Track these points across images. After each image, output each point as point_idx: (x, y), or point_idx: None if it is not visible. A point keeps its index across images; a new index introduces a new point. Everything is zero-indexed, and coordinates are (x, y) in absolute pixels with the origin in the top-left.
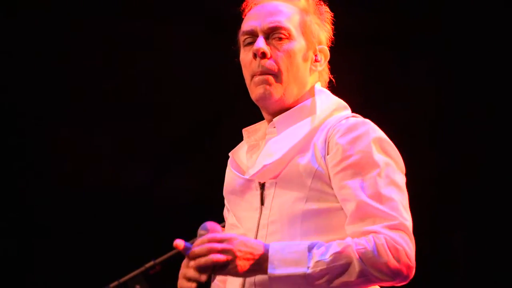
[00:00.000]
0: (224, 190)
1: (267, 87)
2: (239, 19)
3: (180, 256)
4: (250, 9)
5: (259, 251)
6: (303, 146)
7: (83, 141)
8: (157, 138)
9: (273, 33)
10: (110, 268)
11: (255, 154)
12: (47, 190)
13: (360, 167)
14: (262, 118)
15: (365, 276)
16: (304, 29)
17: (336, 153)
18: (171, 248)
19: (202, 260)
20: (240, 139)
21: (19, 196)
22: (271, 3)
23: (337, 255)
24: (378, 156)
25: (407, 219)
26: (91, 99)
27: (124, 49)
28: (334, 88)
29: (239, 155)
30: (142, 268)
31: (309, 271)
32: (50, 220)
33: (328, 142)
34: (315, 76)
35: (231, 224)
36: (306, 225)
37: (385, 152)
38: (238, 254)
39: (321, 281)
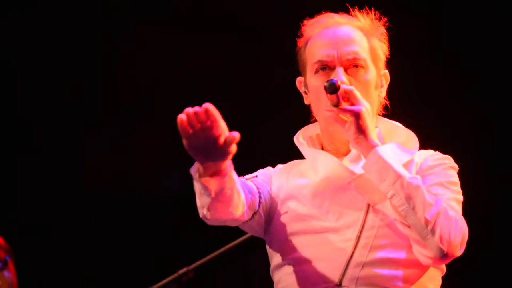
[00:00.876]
0: (306, 182)
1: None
2: (235, 20)
3: (213, 263)
4: (317, 31)
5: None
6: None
7: (85, 141)
8: (158, 138)
9: (350, 64)
10: (144, 274)
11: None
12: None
13: (439, 174)
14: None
15: (426, 226)
16: (374, 56)
17: (424, 168)
18: (205, 254)
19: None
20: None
21: (19, 196)
22: (342, 28)
23: (432, 195)
24: (455, 178)
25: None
26: (91, 99)
27: (124, 49)
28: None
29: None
30: (176, 275)
31: (407, 175)
32: (71, 225)
33: (421, 165)
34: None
35: (300, 214)
36: None
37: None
38: (365, 111)
39: (404, 191)
